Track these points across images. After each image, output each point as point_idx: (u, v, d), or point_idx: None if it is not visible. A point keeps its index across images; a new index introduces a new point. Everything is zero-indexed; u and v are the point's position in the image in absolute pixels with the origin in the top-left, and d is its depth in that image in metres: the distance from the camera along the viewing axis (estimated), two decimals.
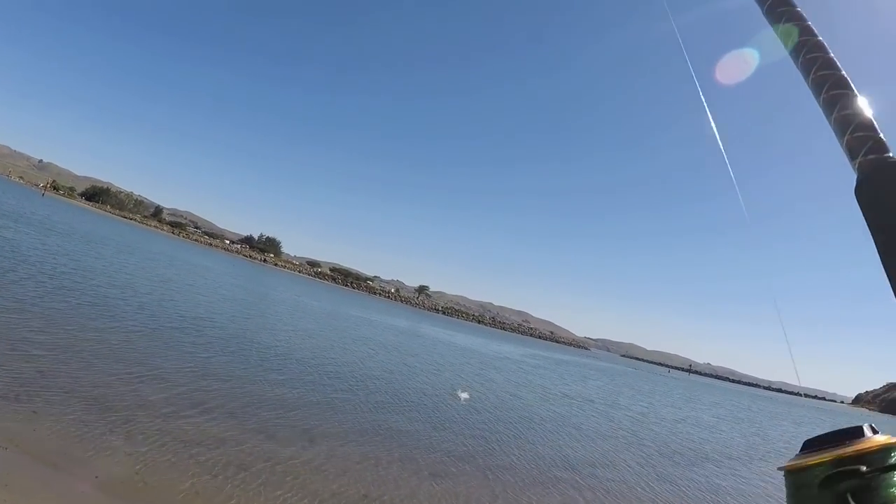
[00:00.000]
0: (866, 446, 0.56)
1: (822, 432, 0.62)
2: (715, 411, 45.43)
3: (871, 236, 0.64)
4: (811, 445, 0.61)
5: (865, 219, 0.65)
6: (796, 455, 0.62)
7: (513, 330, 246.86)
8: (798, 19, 0.83)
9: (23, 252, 23.60)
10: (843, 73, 0.75)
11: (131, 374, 11.28)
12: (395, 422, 13.79)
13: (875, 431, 0.59)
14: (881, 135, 0.69)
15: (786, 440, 33.47)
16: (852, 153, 0.70)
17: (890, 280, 0.56)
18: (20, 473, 6.15)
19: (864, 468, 0.55)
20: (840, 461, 0.56)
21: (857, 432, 0.59)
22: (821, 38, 0.80)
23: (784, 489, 0.61)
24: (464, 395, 10.28)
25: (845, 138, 0.71)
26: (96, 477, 6.75)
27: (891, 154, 0.68)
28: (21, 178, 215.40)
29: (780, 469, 0.63)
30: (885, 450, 0.56)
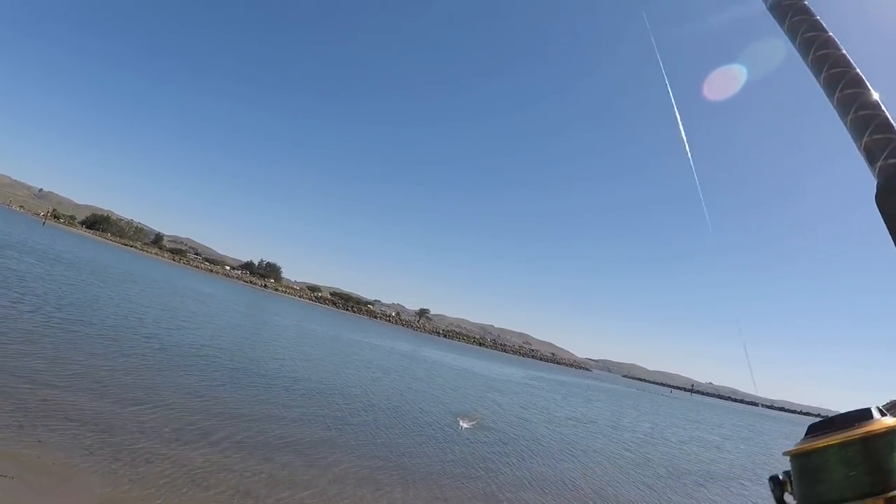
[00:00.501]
0: (874, 428, 0.55)
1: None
2: (720, 431, 45.18)
3: (893, 243, 0.60)
4: (817, 429, 0.60)
5: (888, 226, 0.60)
6: (802, 439, 0.61)
7: (514, 352, 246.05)
8: (805, 13, 0.78)
9: (28, 282, 23.65)
10: (858, 70, 0.70)
11: (137, 403, 11.24)
12: (402, 446, 13.74)
13: (883, 414, 0.58)
14: None
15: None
16: (872, 157, 0.65)
17: None
18: (26, 503, 6.09)
19: (868, 451, 0.54)
20: (847, 444, 0.55)
21: (865, 414, 0.58)
22: (832, 34, 0.74)
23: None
24: (464, 424, 10.12)
25: (863, 141, 0.66)
26: None
27: None
28: (22, 207, 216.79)
29: (785, 454, 0.61)
30: (893, 432, 0.55)
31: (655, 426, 38.36)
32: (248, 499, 8.10)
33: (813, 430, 0.61)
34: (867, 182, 0.64)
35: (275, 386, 17.48)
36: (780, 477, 0.64)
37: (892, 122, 0.66)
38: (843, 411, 0.50)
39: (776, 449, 38.63)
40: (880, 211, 0.61)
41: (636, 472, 18.31)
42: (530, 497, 12.22)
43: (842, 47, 0.73)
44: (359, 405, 18.16)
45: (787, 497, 0.66)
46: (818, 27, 0.75)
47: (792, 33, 0.76)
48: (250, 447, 10.49)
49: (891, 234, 0.59)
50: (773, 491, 0.64)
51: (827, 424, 0.59)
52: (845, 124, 0.68)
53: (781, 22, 0.79)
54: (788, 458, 0.62)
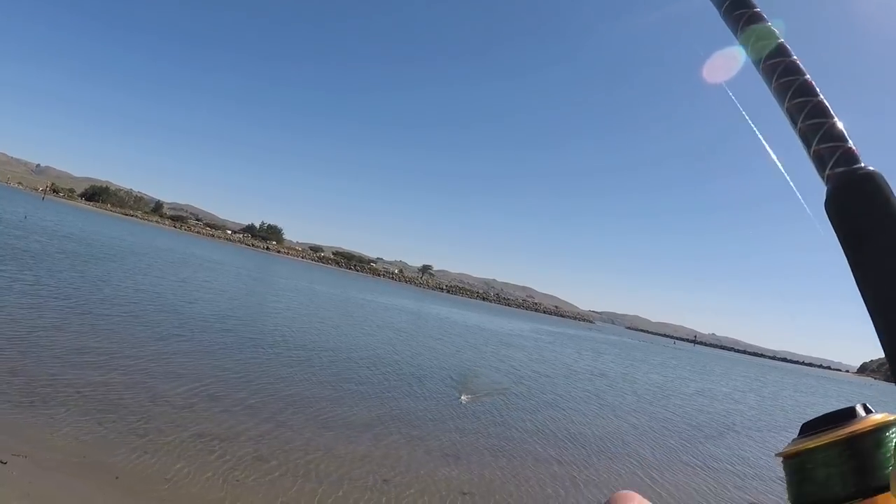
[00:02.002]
0: (861, 426, 0.56)
1: (823, 410, 0.61)
2: (731, 383, 45.65)
3: (842, 251, 0.60)
4: (806, 430, 0.60)
5: (836, 233, 0.61)
6: (792, 441, 0.61)
7: (517, 306, 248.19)
8: (759, 20, 0.76)
9: (37, 255, 23.57)
10: (808, 77, 0.70)
11: (147, 374, 11.25)
12: (421, 407, 13.94)
13: (868, 411, 0.59)
14: (851, 144, 0.64)
15: (800, 407, 34.60)
16: (821, 164, 0.65)
17: (864, 297, 0.55)
18: (40, 481, 6.11)
19: (858, 449, 0.55)
20: (835, 444, 0.56)
21: (849, 413, 0.58)
22: (783, 41, 0.73)
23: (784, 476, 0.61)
24: (464, 397, 9.99)
25: (813, 148, 0.66)
26: (116, 478, 6.74)
27: (862, 164, 0.63)
28: (20, 183, 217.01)
29: (777, 455, 0.62)
30: (880, 429, 0.56)
31: (680, 379, 38.97)
32: (262, 462, 8.12)
33: (802, 432, 0.61)
34: (818, 190, 0.64)
35: (292, 350, 17.61)
36: None
37: (841, 129, 0.66)
38: (830, 410, 0.52)
39: (785, 399, 39.51)
40: (829, 218, 0.62)
41: (685, 429, 19.11)
42: (573, 452, 12.66)
43: (793, 54, 0.73)
44: (386, 367, 18.47)
45: None
46: (770, 35, 0.74)
47: (745, 41, 0.75)
48: (263, 413, 10.52)
49: (840, 241, 0.60)
50: None
51: (817, 424, 0.59)
52: (795, 131, 0.69)
53: (734, 30, 0.77)
54: (780, 459, 0.62)
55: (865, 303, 0.55)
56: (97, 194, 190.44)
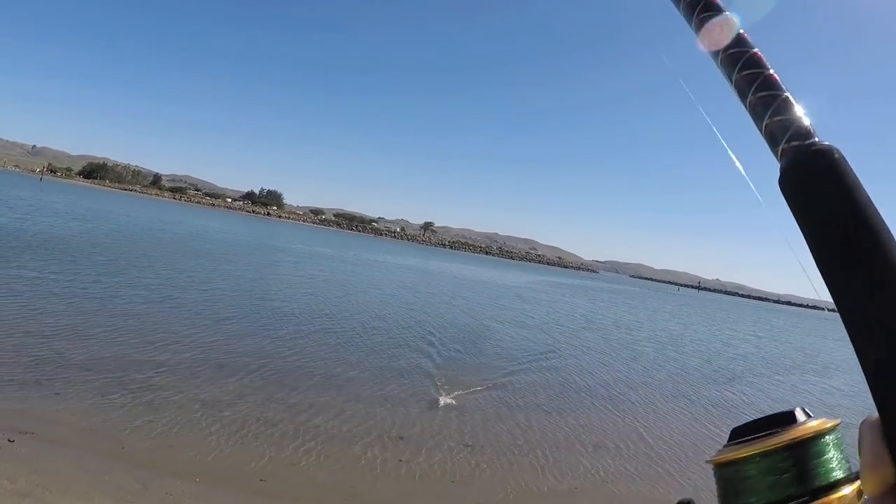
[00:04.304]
0: (798, 434, 0.54)
1: (753, 416, 0.59)
2: (748, 328, 46.41)
3: (798, 228, 0.58)
4: (739, 434, 0.58)
5: (792, 210, 0.59)
6: (724, 446, 0.58)
7: (521, 258, 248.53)
8: None
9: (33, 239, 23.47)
10: (757, 50, 0.67)
11: (150, 345, 11.35)
12: (456, 361, 14.55)
13: (808, 415, 0.57)
14: (805, 119, 0.62)
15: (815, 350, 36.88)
16: (773, 140, 0.62)
17: (822, 273, 0.55)
18: (48, 456, 6.23)
19: (795, 457, 0.54)
20: (771, 452, 0.54)
21: (788, 418, 0.57)
22: (729, 13, 0.71)
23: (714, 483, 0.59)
24: (446, 400, 9.65)
25: (764, 123, 0.63)
26: (123, 447, 6.89)
27: (816, 139, 0.61)
28: (17, 166, 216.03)
29: (707, 462, 0.59)
30: (818, 435, 0.55)
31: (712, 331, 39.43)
32: (266, 426, 8.27)
33: (735, 436, 0.58)
34: (771, 167, 0.62)
35: (308, 317, 17.80)
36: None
37: (793, 101, 0.64)
38: (767, 414, 0.50)
39: (795, 339, 40.17)
40: (784, 196, 0.60)
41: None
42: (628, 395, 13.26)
43: (741, 28, 0.70)
44: (410, 329, 18.89)
45: None
46: (715, 7, 0.71)
47: (688, 13, 0.72)
48: (267, 376, 10.69)
49: (795, 217, 0.59)
50: None
51: (750, 429, 0.57)
52: (745, 106, 0.66)
53: (677, 4, 0.74)
54: (711, 467, 0.59)
55: (823, 278, 0.55)
56: (95, 171, 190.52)
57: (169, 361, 10.43)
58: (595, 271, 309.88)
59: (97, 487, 5.76)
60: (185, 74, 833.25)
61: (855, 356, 0.47)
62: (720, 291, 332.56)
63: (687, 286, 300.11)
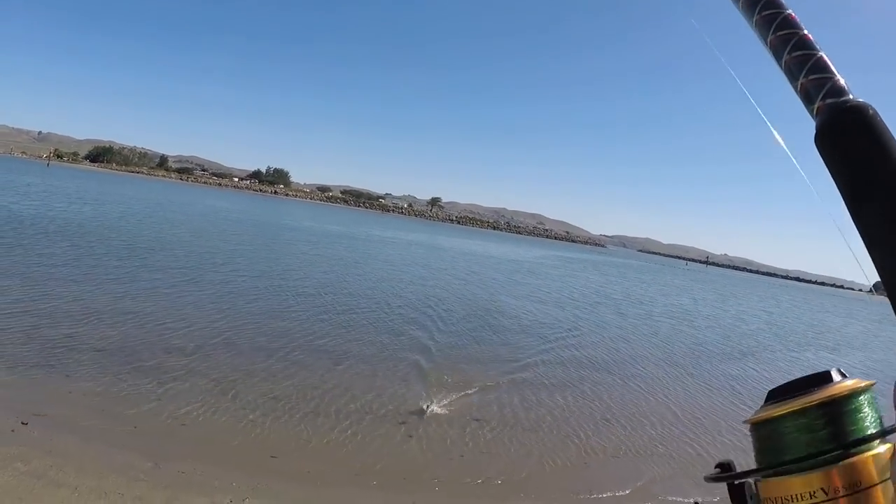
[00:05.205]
0: (833, 392, 0.55)
1: (790, 377, 0.60)
2: (758, 303, 46.66)
3: (835, 185, 0.60)
4: (776, 395, 0.59)
5: (828, 167, 0.61)
6: (761, 406, 0.59)
7: (528, 233, 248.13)
8: None
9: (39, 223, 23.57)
10: (791, 12, 0.69)
11: (162, 326, 11.41)
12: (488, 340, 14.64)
13: (844, 375, 0.58)
14: (839, 77, 0.63)
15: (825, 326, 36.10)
16: (809, 98, 0.64)
17: (859, 230, 0.56)
18: (61, 438, 6.28)
19: (830, 415, 0.54)
20: (807, 409, 0.55)
21: (824, 378, 0.57)
22: None
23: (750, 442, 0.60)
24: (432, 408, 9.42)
25: (799, 81, 0.65)
26: (135, 427, 6.94)
27: (851, 96, 0.62)
28: (24, 152, 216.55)
29: (745, 422, 0.60)
30: (853, 394, 0.55)
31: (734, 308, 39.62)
32: (277, 403, 8.32)
33: (772, 397, 0.59)
34: (807, 125, 0.63)
35: (305, 292, 17.87)
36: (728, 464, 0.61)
37: (827, 60, 0.65)
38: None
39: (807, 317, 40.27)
40: (820, 153, 0.62)
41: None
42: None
43: None
44: (431, 307, 19.01)
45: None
46: None
47: None
48: (279, 355, 10.72)
49: (832, 175, 0.60)
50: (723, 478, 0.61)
51: (787, 390, 0.58)
52: (780, 66, 0.67)
53: None
54: (748, 426, 0.60)
55: (860, 234, 0.56)
56: (101, 155, 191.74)
57: (181, 342, 10.48)
58: (603, 246, 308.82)
59: (110, 467, 5.82)
60: (189, 54, 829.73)
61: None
62: (728, 266, 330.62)
63: (695, 261, 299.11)
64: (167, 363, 9.22)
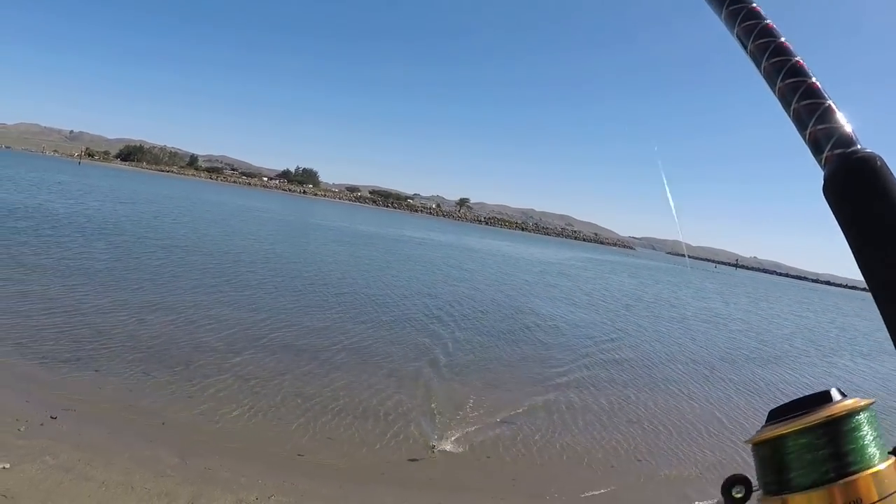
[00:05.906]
0: (833, 412, 0.55)
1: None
2: (791, 307, 46.07)
3: (843, 235, 0.60)
4: (777, 414, 0.60)
5: (836, 217, 0.61)
6: (762, 427, 0.60)
7: (556, 234, 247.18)
8: (743, 1, 0.74)
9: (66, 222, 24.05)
10: (799, 59, 0.69)
11: (190, 322, 11.48)
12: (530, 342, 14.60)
13: (843, 395, 0.58)
14: (847, 126, 0.64)
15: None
16: (818, 147, 0.64)
17: (867, 281, 0.57)
18: (90, 432, 6.29)
19: (830, 434, 0.55)
20: (806, 430, 0.56)
21: (824, 397, 0.58)
22: (770, 22, 0.72)
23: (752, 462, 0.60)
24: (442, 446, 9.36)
25: (808, 131, 0.65)
26: (163, 423, 6.92)
27: (859, 147, 0.62)
28: (56, 151, 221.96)
29: (746, 443, 0.60)
30: (852, 413, 0.56)
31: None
32: (305, 401, 8.29)
33: (773, 417, 0.60)
34: (814, 174, 0.64)
35: (334, 289, 17.99)
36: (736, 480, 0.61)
37: (835, 109, 0.65)
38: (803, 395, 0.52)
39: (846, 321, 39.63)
40: (828, 203, 0.62)
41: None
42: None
43: (783, 36, 0.71)
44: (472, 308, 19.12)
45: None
46: (756, 15, 0.73)
47: (730, 21, 0.74)
48: (308, 354, 10.71)
49: (839, 225, 0.60)
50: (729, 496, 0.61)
51: (787, 410, 0.58)
52: (788, 114, 0.68)
53: (718, 10, 0.76)
54: (750, 446, 0.60)
55: (868, 284, 0.56)
56: (132, 154, 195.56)
57: (211, 339, 10.51)
58: (632, 248, 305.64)
59: (138, 462, 5.80)
60: (216, 47, 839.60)
61: None
62: (758, 269, 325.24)
63: (724, 263, 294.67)
64: (197, 360, 9.23)
